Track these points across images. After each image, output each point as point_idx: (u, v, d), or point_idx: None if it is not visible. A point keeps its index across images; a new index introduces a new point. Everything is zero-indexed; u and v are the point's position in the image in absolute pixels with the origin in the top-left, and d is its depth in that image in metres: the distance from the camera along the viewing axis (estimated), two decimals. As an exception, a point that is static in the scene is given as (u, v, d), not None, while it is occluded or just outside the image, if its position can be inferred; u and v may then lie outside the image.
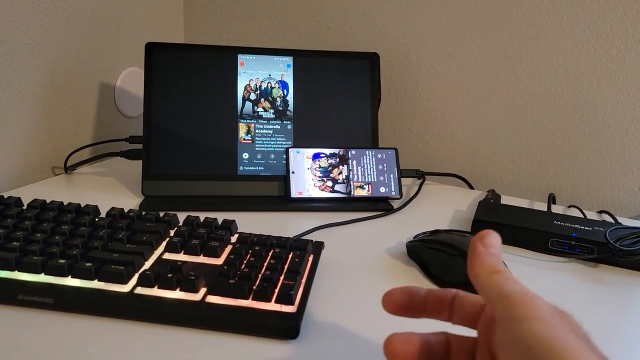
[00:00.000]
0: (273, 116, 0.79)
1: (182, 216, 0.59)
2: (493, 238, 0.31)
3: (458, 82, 0.89)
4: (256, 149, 0.77)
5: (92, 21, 0.85)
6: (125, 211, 0.58)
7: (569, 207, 0.80)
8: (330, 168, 0.76)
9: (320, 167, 0.76)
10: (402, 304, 0.35)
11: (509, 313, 0.26)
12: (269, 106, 0.79)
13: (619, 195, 0.83)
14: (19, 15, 0.73)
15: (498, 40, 0.85)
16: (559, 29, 0.80)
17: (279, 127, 0.79)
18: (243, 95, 0.78)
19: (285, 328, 0.44)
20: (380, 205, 0.74)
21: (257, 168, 0.77)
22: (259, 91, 0.78)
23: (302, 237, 0.62)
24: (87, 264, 0.47)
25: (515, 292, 0.27)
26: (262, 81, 0.79)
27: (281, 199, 0.75)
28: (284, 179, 0.76)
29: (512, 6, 0.82)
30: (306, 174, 0.75)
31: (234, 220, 0.58)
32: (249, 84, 0.78)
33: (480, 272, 0.30)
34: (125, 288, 0.46)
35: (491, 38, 0.85)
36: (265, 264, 0.50)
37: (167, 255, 0.52)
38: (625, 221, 0.74)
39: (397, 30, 0.90)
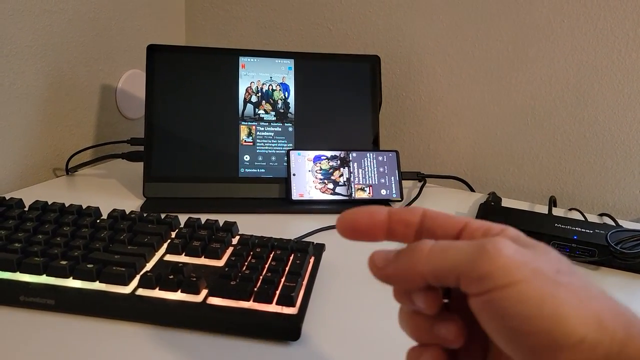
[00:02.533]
0: (274, 118, 0.79)
1: (183, 218, 0.59)
2: (375, 257, 0.28)
3: (459, 84, 0.89)
4: (257, 151, 0.77)
5: (94, 23, 0.86)
6: (127, 213, 0.58)
7: (570, 209, 0.80)
8: (331, 170, 0.76)
9: (321, 169, 0.76)
10: (361, 227, 0.29)
11: (479, 285, 0.23)
12: (270, 108, 0.79)
13: (620, 198, 0.83)
14: (21, 16, 0.74)
15: (499, 44, 0.85)
16: (560, 32, 0.80)
17: (280, 129, 0.79)
18: (244, 98, 0.78)
19: (287, 330, 0.44)
20: (381, 208, 0.74)
21: (258, 170, 0.77)
22: (260, 93, 0.79)
23: (303, 239, 0.62)
24: (89, 266, 0.47)
25: (470, 251, 0.24)
26: (263, 83, 0.79)
27: (282, 201, 0.75)
28: (285, 181, 0.76)
29: (512, 9, 0.82)
30: (307, 176, 0.75)
31: (235, 222, 0.58)
32: (250, 87, 0.78)
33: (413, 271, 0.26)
34: (126, 289, 0.46)
35: (492, 41, 0.85)
36: (267, 266, 0.50)
37: (168, 257, 0.52)
38: (626, 224, 0.74)
39: (398, 33, 0.90)
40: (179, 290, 0.46)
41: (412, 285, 0.27)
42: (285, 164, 0.77)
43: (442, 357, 0.28)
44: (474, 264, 0.23)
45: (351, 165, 0.76)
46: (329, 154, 0.77)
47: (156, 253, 0.52)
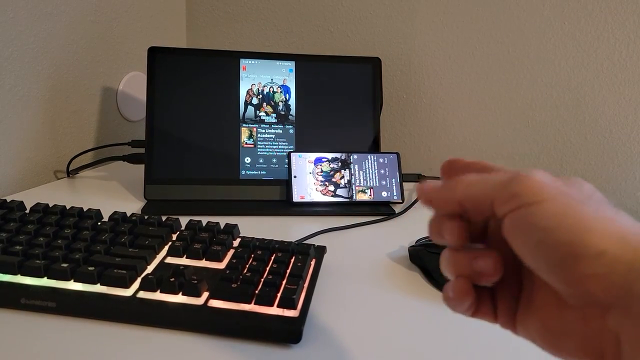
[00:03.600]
0: (275, 120, 0.79)
1: (184, 220, 0.59)
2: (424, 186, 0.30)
3: (459, 86, 0.89)
4: (258, 153, 0.78)
5: (95, 26, 0.86)
6: (128, 215, 0.58)
7: (571, 211, 0.79)
8: (332, 172, 0.76)
9: (322, 171, 0.76)
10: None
11: (510, 204, 0.25)
12: (271, 110, 0.79)
13: (620, 200, 0.83)
14: (22, 19, 0.74)
15: (499, 45, 0.85)
16: (561, 34, 0.80)
17: (281, 131, 0.79)
18: (245, 100, 0.78)
19: (288, 333, 0.44)
20: (382, 210, 0.74)
21: (259, 172, 0.77)
22: (261, 95, 0.79)
23: (305, 242, 0.62)
24: (90, 268, 0.47)
25: (504, 178, 0.26)
26: (264, 85, 0.79)
27: (283, 203, 0.75)
28: (286, 184, 0.76)
29: (513, 11, 0.82)
30: (308, 179, 0.75)
31: (236, 224, 0.58)
32: (251, 89, 0.78)
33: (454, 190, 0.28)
34: (127, 292, 0.46)
35: (493, 43, 0.85)
36: (268, 269, 0.50)
37: (169, 260, 0.52)
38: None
39: (399, 35, 0.91)
40: (180, 293, 0.46)
41: (450, 209, 0.29)
42: (286, 166, 0.77)
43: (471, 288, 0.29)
44: (507, 186, 0.25)
45: (352, 167, 0.76)
46: (330, 156, 0.77)
47: (157, 256, 0.52)
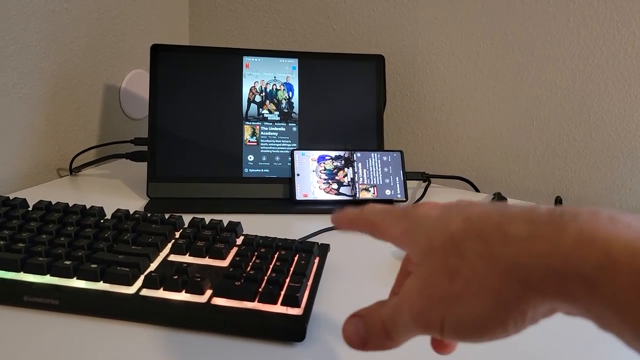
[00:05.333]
0: (278, 118, 0.78)
1: (187, 218, 0.59)
2: None
3: (463, 84, 0.89)
4: (261, 151, 0.77)
5: (98, 23, 0.86)
6: (131, 213, 0.58)
7: (576, 210, 0.79)
8: (335, 170, 0.76)
9: (325, 169, 0.75)
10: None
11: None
12: (274, 108, 0.79)
13: (626, 199, 0.82)
14: (25, 17, 0.74)
15: (504, 43, 0.84)
16: (566, 31, 0.80)
17: (284, 129, 0.78)
18: (248, 98, 0.78)
19: (292, 331, 0.43)
20: (385, 208, 0.74)
21: (262, 170, 0.77)
22: (264, 93, 0.78)
23: (308, 240, 0.62)
24: (93, 266, 0.47)
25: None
26: (267, 83, 0.79)
27: (286, 201, 0.75)
28: (289, 181, 0.75)
29: (517, 8, 0.82)
30: (311, 177, 0.75)
31: (240, 222, 0.58)
32: (254, 86, 0.78)
33: None
34: (130, 290, 0.46)
35: (497, 40, 0.85)
36: (271, 267, 0.50)
37: (172, 257, 0.52)
38: (633, 224, 0.73)
39: (403, 33, 0.90)
40: (184, 291, 0.46)
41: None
42: (289, 164, 0.76)
43: None
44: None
45: (355, 165, 0.76)
46: (333, 154, 0.76)
47: (160, 253, 0.52)
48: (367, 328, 0.29)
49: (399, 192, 0.76)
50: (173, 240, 0.54)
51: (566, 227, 0.22)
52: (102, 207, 0.58)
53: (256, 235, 0.55)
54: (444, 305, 0.25)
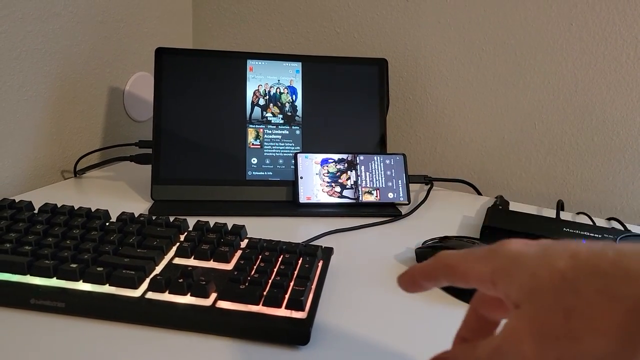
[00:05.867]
0: (282, 121, 0.79)
1: (191, 221, 0.59)
2: None
3: (466, 88, 0.89)
4: (265, 154, 0.78)
5: (103, 26, 0.86)
6: (136, 216, 0.58)
7: (578, 214, 0.79)
8: (338, 173, 0.76)
9: (328, 172, 0.76)
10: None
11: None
12: (278, 111, 0.79)
13: (628, 202, 0.82)
14: (31, 20, 0.74)
15: (506, 47, 0.85)
16: (568, 35, 0.80)
17: (287, 132, 0.79)
18: (252, 101, 0.78)
19: (296, 334, 0.44)
20: (388, 211, 0.74)
21: (265, 173, 0.77)
22: (267, 96, 0.79)
23: (311, 243, 0.62)
24: (99, 269, 0.47)
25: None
26: (271, 86, 0.79)
27: (289, 204, 0.75)
28: (293, 184, 0.76)
29: (520, 12, 0.82)
30: (314, 179, 0.75)
31: (244, 225, 0.58)
32: (257, 89, 0.79)
33: None
34: (136, 293, 0.46)
35: (499, 44, 0.85)
36: (275, 270, 0.50)
37: (177, 260, 0.52)
38: (635, 228, 0.74)
39: (406, 36, 0.91)
40: (189, 294, 0.46)
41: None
42: (293, 166, 0.77)
43: None
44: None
45: (358, 169, 0.76)
46: (336, 157, 0.77)
47: (165, 256, 0.53)
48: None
49: (401, 195, 0.76)
50: (178, 244, 0.54)
51: None
52: (107, 210, 0.59)
53: (260, 239, 0.56)
54: (562, 345, 0.24)
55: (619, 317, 0.23)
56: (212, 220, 0.59)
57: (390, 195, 0.76)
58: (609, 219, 0.79)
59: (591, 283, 0.24)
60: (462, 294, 0.53)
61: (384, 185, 0.76)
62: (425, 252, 0.59)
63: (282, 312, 0.45)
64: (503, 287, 0.28)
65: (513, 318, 0.26)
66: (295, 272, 0.50)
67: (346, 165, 0.77)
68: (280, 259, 0.52)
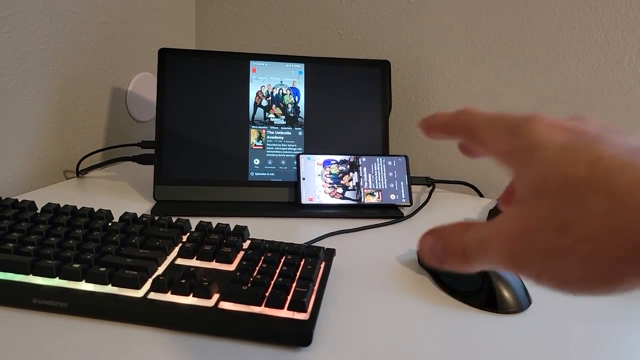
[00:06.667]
0: (284, 122, 0.79)
1: (193, 221, 0.59)
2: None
3: (468, 90, 0.89)
4: (267, 154, 0.78)
5: (106, 27, 0.86)
6: (138, 216, 0.58)
7: (580, 216, 0.79)
8: (340, 175, 0.76)
9: (330, 173, 0.76)
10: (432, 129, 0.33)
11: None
12: (280, 112, 0.79)
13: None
14: (34, 20, 0.74)
15: (509, 49, 0.85)
16: (570, 38, 0.80)
17: (290, 133, 0.79)
18: (255, 102, 0.78)
19: (298, 335, 0.44)
20: (390, 213, 0.74)
21: (267, 174, 0.77)
22: (270, 97, 0.79)
23: (314, 244, 0.62)
24: (101, 269, 0.48)
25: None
26: (273, 88, 0.79)
27: (291, 205, 0.75)
28: (295, 185, 0.76)
29: (523, 15, 0.82)
30: (317, 181, 0.75)
31: (246, 226, 0.58)
32: (260, 90, 0.79)
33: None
34: (138, 293, 0.47)
35: (502, 47, 0.85)
36: (278, 271, 0.50)
37: (179, 261, 0.52)
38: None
39: (408, 38, 0.91)
40: (191, 295, 0.46)
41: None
42: (295, 168, 0.77)
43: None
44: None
45: (360, 170, 0.77)
46: (338, 158, 0.77)
47: (168, 257, 0.53)
48: (445, 251, 0.27)
49: (403, 196, 0.76)
50: (180, 244, 0.55)
51: None
52: (109, 210, 0.59)
53: (263, 240, 0.56)
54: (547, 259, 0.22)
55: (615, 247, 0.21)
56: (214, 221, 0.59)
57: (392, 196, 0.76)
58: (611, 221, 0.78)
59: (598, 202, 0.21)
60: (465, 296, 0.53)
61: (386, 187, 0.76)
62: (428, 254, 0.59)
63: (284, 313, 0.45)
64: (516, 173, 0.26)
65: (511, 213, 0.25)
66: (298, 274, 0.50)
67: (348, 166, 0.77)
68: (282, 260, 0.52)
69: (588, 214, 0.21)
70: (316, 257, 0.53)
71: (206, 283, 0.47)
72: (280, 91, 0.79)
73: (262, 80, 0.79)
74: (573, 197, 0.22)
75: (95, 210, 0.58)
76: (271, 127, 0.78)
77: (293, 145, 0.79)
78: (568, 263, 0.22)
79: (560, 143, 0.24)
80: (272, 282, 0.48)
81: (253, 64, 0.79)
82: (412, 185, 0.78)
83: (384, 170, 0.77)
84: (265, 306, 0.46)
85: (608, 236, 0.21)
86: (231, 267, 0.52)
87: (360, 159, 0.77)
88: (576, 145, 0.24)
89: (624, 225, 0.21)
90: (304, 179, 0.75)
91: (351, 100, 0.81)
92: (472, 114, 0.29)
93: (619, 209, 0.21)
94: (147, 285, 0.47)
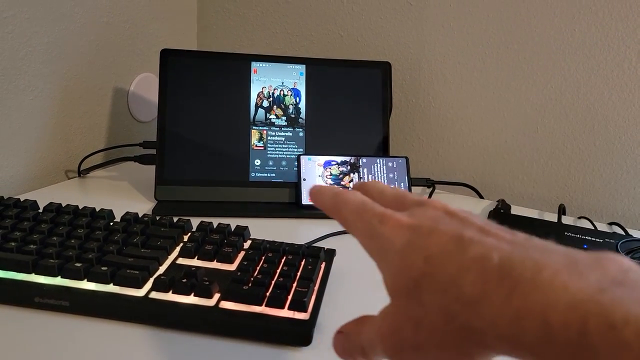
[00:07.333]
0: (285, 123, 0.79)
1: (194, 221, 0.60)
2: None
3: (469, 91, 0.89)
4: (268, 155, 0.78)
5: (108, 27, 0.87)
6: (140, 216, 0.58)
7: (579, 218, 0.80)
8: (341, 176, 0.76)
9: (331, 174, 0.76)
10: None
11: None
12: (282, 113, 0.79)
13: (629, 207, 0.83)
14: (37, 20, 0.75)
15: (509, 51, 0.85)
16: (571, 41, 0.81)
17: (290, 134, 0.79)
18: (256, 103, 0.79)
19: (299, 335, 0.44)
20: (390, 214, 0.74)
21: (268, 175, 0.78)
22: (271, 98, 0.79)
23: (314, 245, 0.62)
24: (103, 268, 0.48)
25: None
26: (274, 88, 0.79)
27: (292, 205, 0.75)
28: (295, 186, 0.76)
29: (523, 17, 0.83)
30: (317, 181, 0.75)
31: (247, 226, 0.59)
32: (261, 91, 0.79)
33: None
34: (140, 292, 0.47)
35: (502, 48, 0.85)
36: (278, 271, 0.51)
37: (180, 261, 0.53)
38: (636, 233, 0.74)
39: (409, 40, 0.91)
40: (192, 294, 0.47)
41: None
42: (296, 168, 0.77)
43: None
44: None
45: (361, 171, 0.77)
46: (339, 159, 0.77)
47: (169, 256, 0.53)
48: (350, 348, 0.29)
49: (403, 198, 0.76)
50: (181, 244, 0.55)
51: (514, 290, 0.21)
52: (111, 210, 0.59)
53: (263, 240, 0.56)
54: (413, 353, 0.25)
55: (453, 337, 0.23)
56: (215, 221, 0.59)
57: (393, 198, 0.76)
58: (611, 223, 0.79)
59: (433, 298, 0.23)
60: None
61: (386, 188, 0.76)
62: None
63: (284, 313, 0.45)
64: (380, 270, 0.28)
65: (385, 311, 0.27)
66: (298, 274, 0.51)
67: (349, 167, 0.77)
68: (283, 260, 0.53)
69: (429, 309, 0.23)
70: (317, 257, 0.54)
71: (207, 283, 0.47)
72: (282, 92, 0.80)
73: (264, 81, 0.79)
74: (416, 293, 0.24)
75: (97, 210, 0.59)
76: (272, 128, 0.79)
77: (294, 146, 0.79)
78: (428, 355, 0.24)
79: (401, 244, 0.25)
80: (273, 282, 0.49)
81: (254, 65, 0.79)
82: (412, 187, 0.78)
83: (385, 171, 0.77)
84: (266, 306, 0.46)
85: (447, 328, 0.23)
86: (232, 267, 0.52)
87: (360, 160, 0.77)
88: (415, 242, 0.25)
89: (453, 316, 0.23)
90: (304, 179, 0.75)
91: (352, 102, 0.81)
92: (345, 202, 0.30)
93: (447, 301, 0.23)
94: (149, 285, 0.48)
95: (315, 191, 0.32)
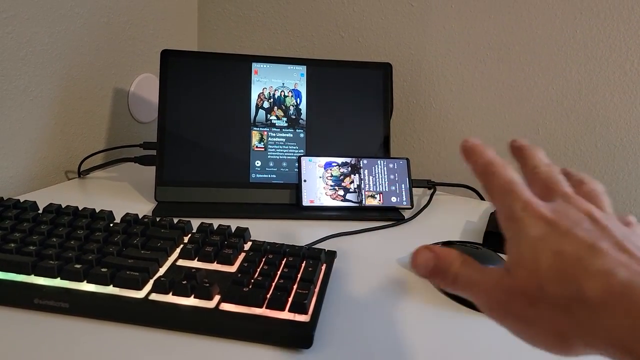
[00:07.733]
0: (286, 124, 0.79)
1: (194, 222, 0.59)
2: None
3: (470, 92, 0.89)
4: (268, 156, 0.78)
5: (108, 27, 0.86)
6: (140, 217, 0.58)
7: (581, 220, 0.79)
8: (342, 177, 0.76)
9: (332, 175, 0.76)
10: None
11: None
12: (282, 114, 0.79)
13: (630, 209, 0.82)
14: (37, 21, 0.74)
15: (511, 53, 0.85)
16: (573, 42, 0.80)
17: (291, 135, 0.79)
18: (256, 103, 0.78)
19: (299, 337, 0.44)
20: (391, 215, 0.74)
21: (269, 176, 0.77)
22: (272, 99, 0.79)
23: (315, 246, 0.62)
24: (103, 270, 0.48)
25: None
26: (275, 89, 0.79)
27: (293, 207, 0.75)
28: (296, 187, 0.76)
29: (525, 19, 0.82)
30: (318, 183, 0.75)
31: (247, 228, 0.58)
32: (262, 92, 0.79)
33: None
34: (140, 294, 0.47)
35: (503, 50, 0.85)
36: (279, 273, 0.51)
37: (181, 262, 0.52)
38: (638, 235, 0.74)
39: (410, 41, 0.91)
40: (192, 296, 0.46)
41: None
42: (296, 170, 0.77)
43: None
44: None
45: (362, 172, 0.77)
46: (339, 160, 0.77)
47: (169, 258, 0.53)
48: (438, 271, 0.30)
49: (404, 199, 0.76)
50: (182, 245, 0.55)
51: (633, 308, 0.23)
52: (111, 211, 0.59)
53: (264, 242, 0.56)
54: (516, 323, 0.27)
55: (564, 327, 0.25)
56: (215, 222, 0.59)
57: (393, 199, 0.76)
58: (612, 225, 0.78)
59: (556, 291, 0.25)
60: (465, 300, 0.53)
61: (387, 189, 0.76)
62: (428, 256, 0.59)
63: (285, 315, 0.45)
64: (507, 242, 0.29)
65: (500, 273, 0.28)
66: (299, 275, 0.50)
67: (350, 168, 0.77)
68: (283, 262, 0.52)
69: (550, 297, 0.25)
70: (317, 259, 0.54)
71: (207, 284, 0.47)
72: (282, 93, 0.79)
73: (264, 82, 0.79)
74: (539, 280, 0.26)
75: (97, 211, 0.59)
76: (273, 129, 0.79)
77: (294, 147, 0.79)
78: (530, 332, 0.27)
79: (535, 235, 0.27)
80: (273, 284, 0.48)
81: (255, 65, 0.79)
82: (413, 188, 0.78)
83: (385, 173, 0.77)
84: (266, 308, 0.46)
85: (560, 316, 0.25)
86: (232, 269, 0.52)
87: (361, 161, 0.77)
88: (549, 237, 0.27)
89: (571, 312, 0.25)
90: (305, 181, 0.75)
91: (353, 103, 0.81)
92: (495, 174, 0.31)
93: (569, 297, 0.25)
94: (149, 286, 0.48)
95: (469, 146, 0.33)
